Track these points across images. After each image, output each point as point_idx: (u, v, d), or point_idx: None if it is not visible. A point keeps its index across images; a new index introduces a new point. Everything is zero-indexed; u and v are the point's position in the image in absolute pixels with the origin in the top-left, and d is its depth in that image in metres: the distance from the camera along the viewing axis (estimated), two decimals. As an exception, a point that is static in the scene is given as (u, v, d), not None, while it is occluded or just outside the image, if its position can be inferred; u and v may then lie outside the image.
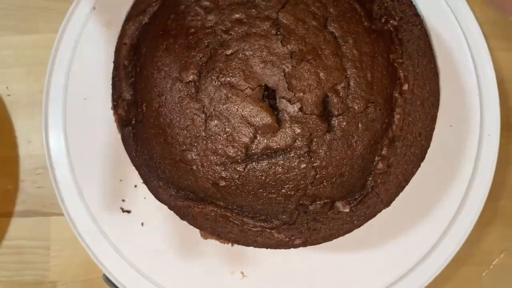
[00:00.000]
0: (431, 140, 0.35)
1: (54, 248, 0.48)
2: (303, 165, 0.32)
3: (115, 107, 0.34)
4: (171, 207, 0.34)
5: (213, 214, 0.33)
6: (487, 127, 0.43)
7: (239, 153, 0.32)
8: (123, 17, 0.41)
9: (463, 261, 0.46)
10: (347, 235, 0.39)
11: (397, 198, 0.36)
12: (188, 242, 0.42)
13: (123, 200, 0.43)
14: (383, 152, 0.34)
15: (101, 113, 0.43)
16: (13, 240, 0.49)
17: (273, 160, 0.32)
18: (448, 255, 0.41)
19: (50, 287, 0.48)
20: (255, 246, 0.34)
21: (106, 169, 0.43)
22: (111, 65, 0.41)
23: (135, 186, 0.43)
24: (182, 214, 0.34)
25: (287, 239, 0.34)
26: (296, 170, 0.32)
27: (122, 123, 0.34)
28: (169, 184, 0.34)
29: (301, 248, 0.42)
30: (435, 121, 0.35)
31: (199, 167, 0.33)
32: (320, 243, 0.34)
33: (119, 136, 0.42)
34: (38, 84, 0.50)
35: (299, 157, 0.32)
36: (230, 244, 0.42)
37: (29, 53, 0.51)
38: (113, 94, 0.34)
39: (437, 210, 0.41)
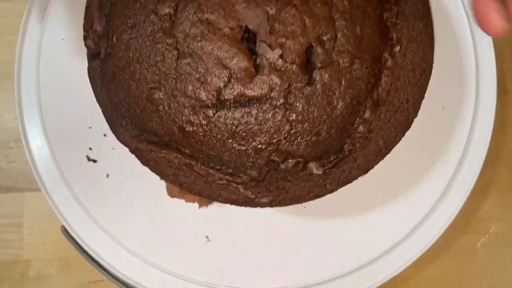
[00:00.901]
0: (418, 109, 0.33)
1: (28, 225, 0.46)
2: (277, 118, 0.30)
3: (85, 38, 0.32)
4: (132, 150, 0.32)
5: (176, 161, 0.31)
6: (481, 112, 0.42)
7: (210, 97, 0.30)
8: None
9: (459, 231, 0.45)
10: (329, 204, 0.38)
11: (381, 168, 0.34)
12: (154, 199, 0.40)
13: (90, 149, 0.41)
14: (366, 115, 0.31)
15: (74, 58, 0.41)
16: None
17: (246, 109, 0.30)
18: (443, 224, 0.40)
19: (24, 265, 0.46)
20: (219, 201, 0.32)
21: (75, 114, 0.41)
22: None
23: (105, 135, 0.41)
24: (144, 158, 0.32)
25: (254, 196, 0.31)
26: (270, 122, 0.30)
27: (91, 55, 0.32)
28: (133, 125, 0.31)
29: (271, 212, 0.40)
30: (425, 90, 0.33)
31: (166, 108, 0.30)
32: (288, 204, 0.32)
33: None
34: (8, 54, 0.48)
35: (275, 109, 0.30)
36: (197, 204, 0.40)
37: None
38: (84, 24, 0.32)
39: (430, 178, 0.40)
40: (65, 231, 0.43)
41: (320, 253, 0.40)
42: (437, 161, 0.41)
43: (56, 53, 0.41)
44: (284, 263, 0.40)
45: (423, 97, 0.33)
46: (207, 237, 0.40)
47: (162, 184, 0.40)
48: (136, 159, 0.39)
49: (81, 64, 0.40)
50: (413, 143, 0.39)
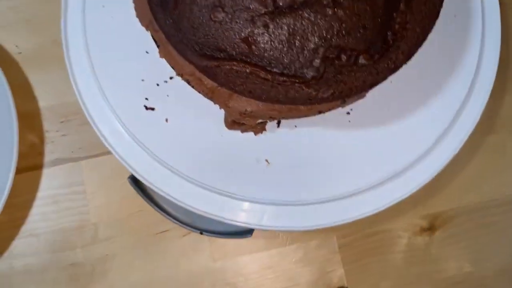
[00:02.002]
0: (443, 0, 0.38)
1: (90, 190, 0.49)
2: (328, 16, 0.34)
3: (142, -21, 0.36)
4: (202, 68, 0.35)
5: (244, 70, 0.35)
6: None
7: (267, 5, 0.34)
8: None
9: (485, 131, 0.48)
10: (372, 114, 0.42)
11: (407, 77, 0.38)
12: (214, 134, 0.44)
13: (146, 99, 0.44)
14: (401, 7, 0.36)
15: (120, 19, 0.45)
16: (47, 191, 0.49)
17: (299, 12, 0.34)
18: (469, 126, 0.44)
19: (93, 228, 0.48)
20: (284, 102, 0.36)
21: (127, 70, 0.45)
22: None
23: (157, 84, 0.44)
24: (213, 74, 0.35)
25: (316, 92, 0.35)
26: (321, 20, 0.34)
27: (150, -7, 0.36)
28: (199, 45, 0.35)
29: (323, 130, 0.44)
30: (445, -18, 0.38)
31: (228, 23, 0.34)
32: (348, 95, 0.36)
33: (137, 38, 0.44)
34: (46, 37, 0.52)
35: (324, 7, 0.34)
36: (253, 133, 0.43)
37: (33, 10, 0.52)
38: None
39: (450, 85, 0.44)
40: (133, 182, 0.46)
41: (366, 161, 0.44)
42: (456, 67, 0.45)
43: (101, 20, 0.45)
44: (334, 174, 0.44)
45: (444, -11, 0.38)
46: (266, 160, 0.44)
47: (220, 119, 0.43)
48: (192, 101, 0.43)
49: (125, 26, 0.44)
50: (433, 52, 0.44)
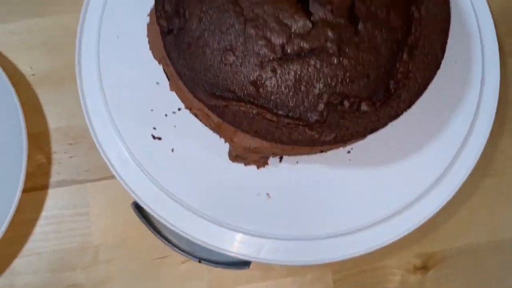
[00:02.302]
0: (444, 51, 0.39)
1: (94, 213, 0.50)
2: (333, 64, 0.35)
3: (158, 18, 0.37)
4: (210, 107, 0.37)
5: (250, 111, 0.36)
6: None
7: (276, 51, 0.35)
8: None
9: (481, 173, 0.50)
10: (372, 155, 0.44)
11: (408, 119, 0.40)
12: (217, 166, 0.45)
13: (154, 128, 0.46)
14: (404, 58, 0.37)
15: (133, 50, 0.46)
16: (52, 211, 0.51)
17: (306, 59, 0.35)
18: (467, 168, 0.45)
19: (94, 250, 0.49)
20: (287, 143, 0.37)
21: (137, 99, 0.46)
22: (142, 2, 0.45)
23: (166, 115, 0.46)
24: (221, 112, 0.37)
25: (319, 135, 0.36)
26: (327, 68, 0.35)
27: (165, 33, 0.37)
28: (209, 85, 0.36)
29: (324, 167, 0.45)
30: (448, 35, 0.39)
31: (238, 66, 0.36)
32: (349, 140, 0.37)
33: (149, 69, 0.46)
34: (60, 61, 0.54)
35: (330, 56, 0.35)
36: (255, 166, 0.45)
37: (49, 34, 0.54)
38: (156, 6, 0.37)
39: (451, 126, 0.46)
40: (136, 208, 0.47)
41: (365, 199, 0.45)
42: (456, 110, 0.47)
43: (114, 50, 0.47)
44: (333, 211, 0.45)
45: (446, 41, 0.39)
46: (267, 194, 0.45)
47: (224, 152, 0.45)
48: (198, 133, 0.45)
49: (138, 57, 0.46)
50: (436, 93, 0.45)
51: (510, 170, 0.52)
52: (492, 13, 0.50)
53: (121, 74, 0.46)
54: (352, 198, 0.45)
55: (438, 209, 0.46)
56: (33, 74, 0.52)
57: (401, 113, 0.38)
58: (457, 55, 0.48)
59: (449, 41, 0.40)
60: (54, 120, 0.52)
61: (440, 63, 0.39)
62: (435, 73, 0.39)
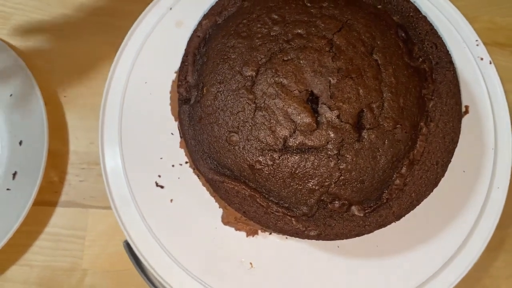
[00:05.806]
0: (446, 170, 0.39)
1: (89, 238, 0.53)
2: (330, 165, 0.37)
3: (179, 86, 0.40)
4: (207, 179, 0.39)
5: (243, 192, 0.38)
6: (497, 179, 0.48)
7: (278, 143, 0.37)
8: (194, 19, 0.47)
9: (470, 285, 0.49)
10: (361, 246, 0.44)
11: (408, 219, 0.40)
12: (209, 225, 0.47)
13: (159, 176, 0.48)
14: (402, 171, 0.38)
15: (157, 97, 0.49)
16: (53, 228, 0.54)
17: (305, 155, 0.37)
18: (456, 277, 0.45)
19: (82, 273, 0.52)
20: (273, 230, 0.38)
21: (151, 145, 0.49)
22: (174, 58, 0.48)
23: (172, 165, 0.48)
24: (217, 187, 0.38)
25: (304, 228, 0.37)
26: (323, 168, 0.37)
27: (182, 101, 0.40)
28: (211, 159, 0.38)
29: (309, 247, 0.46)
30: (452, 155, 0.40)
31: (241, 148, 0.37)
32: (332, 239, 0.38)
33: (167, 118, 0.48)
34: (90, 89, 0.57)
35: (329, 157, 0.37)
36: (245, 233, 0.46)
37: (86, 63, 0.57)
38: (179, 75, 0.40)
39: (448, 233, 0.46)
40: (127, 246, 0.50)
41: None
42: (456, 218, 0.46)
43: (140, 93, 0.49)
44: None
45: (450, 161, 0.40)
46: (251, 263, 0.46)
47: (217, 213, 0.47)
48: (198, 190, 0.46)
49: (159, 106, 0.48)
50: (437, 200, 0.45)
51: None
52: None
53: (141, 116, 0.49)
54: (335, 285, 0.45)
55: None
56: (65, 96, 0.56)
57: (389, 223, 0.38)
58: (466, 164, 0.48)
59: (462, 151, 0.40)
60: (74, 142, 0.55)
61: (438, 182, 0.39)
62: (431, 191, 0.39)
